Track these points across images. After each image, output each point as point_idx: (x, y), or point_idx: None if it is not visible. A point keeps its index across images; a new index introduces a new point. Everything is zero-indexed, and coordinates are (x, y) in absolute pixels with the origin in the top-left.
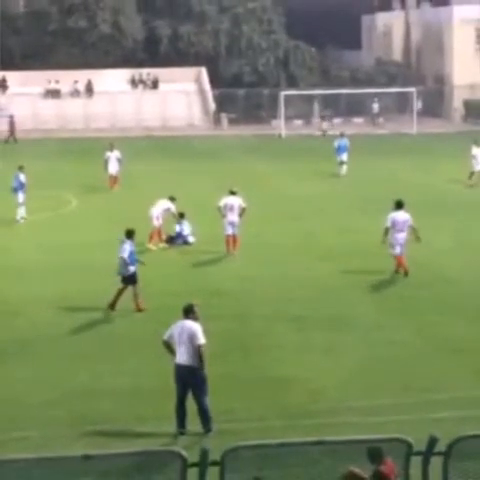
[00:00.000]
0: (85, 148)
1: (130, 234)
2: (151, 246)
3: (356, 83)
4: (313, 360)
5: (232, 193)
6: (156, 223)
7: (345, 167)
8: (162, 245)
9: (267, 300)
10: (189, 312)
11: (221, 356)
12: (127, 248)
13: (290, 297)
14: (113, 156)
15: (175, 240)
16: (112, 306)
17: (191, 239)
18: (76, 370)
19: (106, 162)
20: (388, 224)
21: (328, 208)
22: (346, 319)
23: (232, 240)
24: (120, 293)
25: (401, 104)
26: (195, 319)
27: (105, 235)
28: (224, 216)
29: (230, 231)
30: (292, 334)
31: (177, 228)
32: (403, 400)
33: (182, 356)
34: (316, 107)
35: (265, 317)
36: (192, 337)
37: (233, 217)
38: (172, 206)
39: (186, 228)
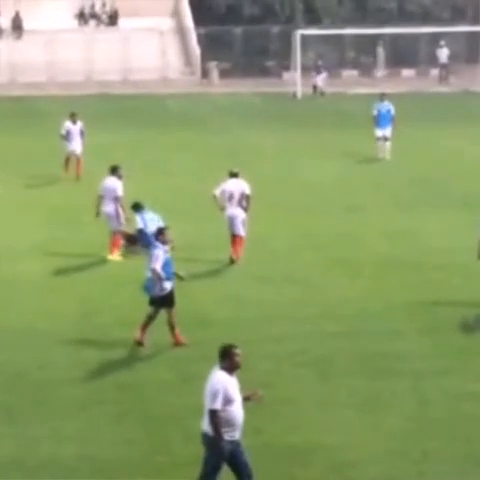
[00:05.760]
0: (12, 111)
1: (162, 235)
2: (114, 257)
3: (406, 19)
4: (342, 420)
5: (233, 175)
6: (117, 224)
7: (388, 145)
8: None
9: (276, 334)
10: (223, 357)
11: None
12: (160, 255)
13: (309, 330)
14: (75, 129)
15: (137, 241)
16: (140, 342)
17: None
18: None
19: (64, 137)
20: None
21: (366, 201)
22: (391, 361)
23: (233, 242)
24: (151, 320)
25: (472, 50)
26: (230, 369)
27: (39, 237)
28: (222, 208)
29: (230, 229)
30: (312, 382)
31: (138, 222)
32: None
33: (203, 419)
34: (381, 55)
35: (273, 358)
36: (208, 395)
37: (232, 209)
38: (118, 184)
39: (152, 223)
